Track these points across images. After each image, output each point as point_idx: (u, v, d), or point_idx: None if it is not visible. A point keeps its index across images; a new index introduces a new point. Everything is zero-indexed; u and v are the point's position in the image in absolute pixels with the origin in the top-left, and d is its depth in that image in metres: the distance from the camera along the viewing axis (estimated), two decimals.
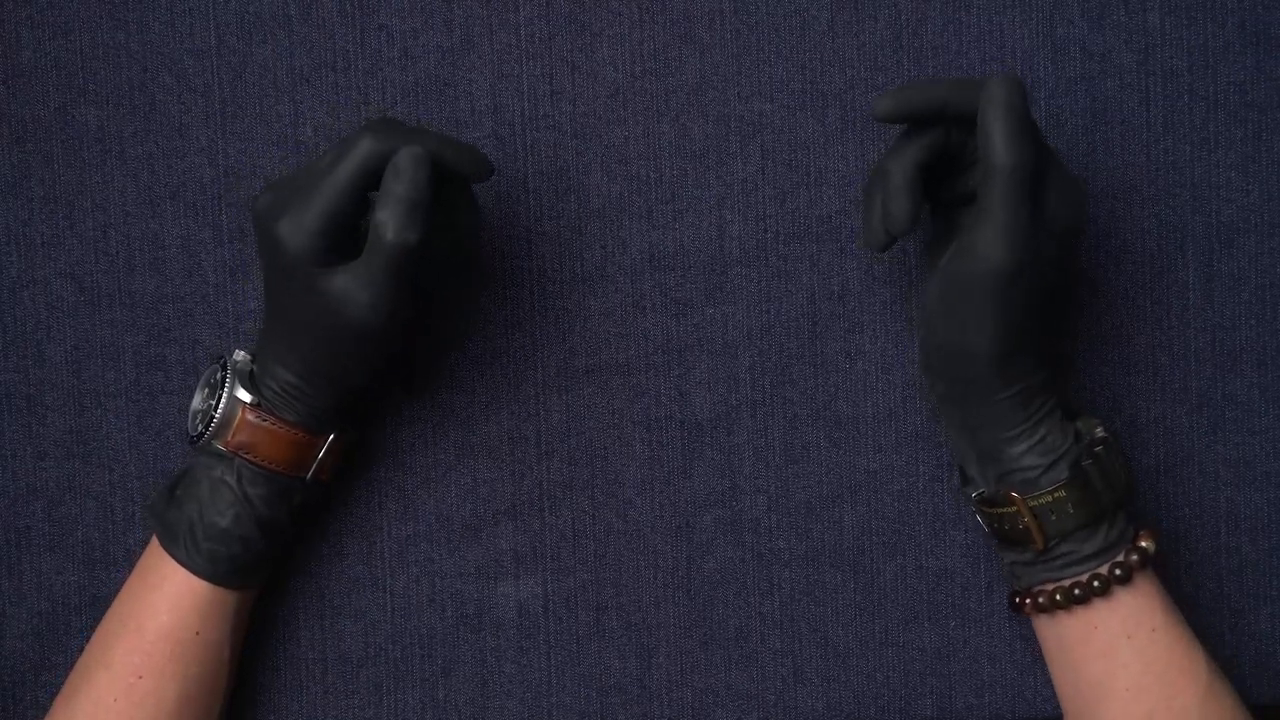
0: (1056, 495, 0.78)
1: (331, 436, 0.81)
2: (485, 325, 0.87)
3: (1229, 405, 0.88)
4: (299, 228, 0.75)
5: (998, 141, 0.74)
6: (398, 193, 0.74)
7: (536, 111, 0.87)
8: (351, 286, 0.75)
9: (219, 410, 0.80)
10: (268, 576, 0.84)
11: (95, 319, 0.87)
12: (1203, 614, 0.88)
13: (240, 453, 0.79)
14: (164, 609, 0.80)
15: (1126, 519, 0.80)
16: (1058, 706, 0.83)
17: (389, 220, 0.74)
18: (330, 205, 0.75)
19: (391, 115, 0.79)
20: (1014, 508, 0.79)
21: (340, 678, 0.88)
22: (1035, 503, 0.78)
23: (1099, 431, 0.79)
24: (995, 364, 0.77)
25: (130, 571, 0.83)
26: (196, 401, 0.82)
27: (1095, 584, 0.78)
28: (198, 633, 0.80)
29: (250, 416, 0.79)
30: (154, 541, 0.81)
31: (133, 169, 0.87)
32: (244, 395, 0.79)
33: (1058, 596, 0.79)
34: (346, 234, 0.76)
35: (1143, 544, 0.79)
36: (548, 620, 0.88)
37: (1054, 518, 0.78)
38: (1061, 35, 0.87)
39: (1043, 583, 0.80)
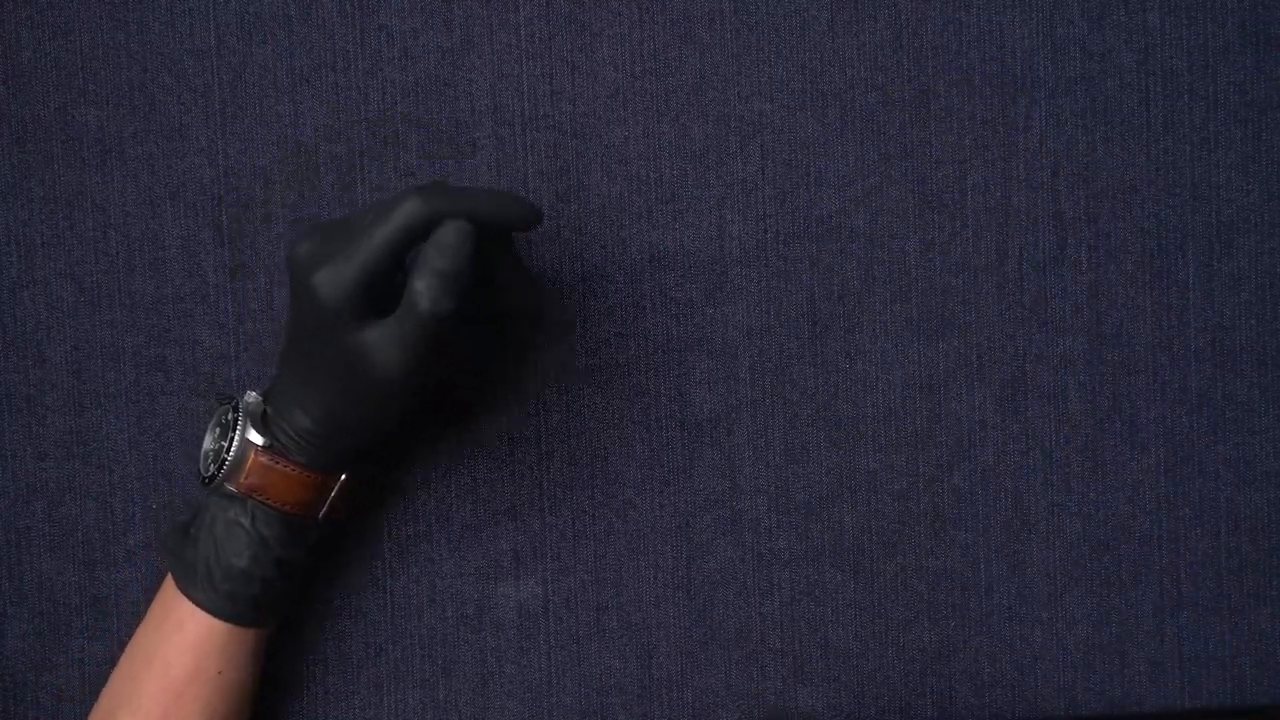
0: None
1: (344, 477, 0.81)
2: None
3: (1229, 405, 0.88)
4: (337, 282, 0.74)
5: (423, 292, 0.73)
6: (437, 266, 0.73)
7: (536, 111, 0.87)
8: (383, 343, 0.75)
9: (231, 453, 0.79)
10: (287, 614, 0.84)
11: (95, 319, 0.87)
12: (1203, 614, 0.88)
13: (253, 495, 0.79)
14: (187, 650, 0.80)
15: None
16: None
17: (425, 290, 0.73)
18: (370, 264, 0.74)
19: (440, 180, 0.78)
20: None
21: (340, 678, 0.88)
22: None
23: None
24: None
25: (130, 575, 0.83)
26: (207, 442, 0.81)
27: None
28: (220, 672, 0.80)
29: (262, 459, 0.79)
30: (170, 579, 0.81)
31: (133, 169, 0.87)
32: (256, 438, 0.79)
33: None
34: (384, 290, 0.75)
35: None
36: (548, 620, 0.88)
37: None
38: (1061, 35, 0.87)
39: None
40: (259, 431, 0.79)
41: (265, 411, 0.80)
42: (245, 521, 0.79)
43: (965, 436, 0.88)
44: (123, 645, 0.84)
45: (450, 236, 0.73)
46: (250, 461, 0.79)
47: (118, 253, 0.87)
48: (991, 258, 0.88)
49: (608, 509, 0.88)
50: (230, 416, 0.80)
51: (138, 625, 0.82)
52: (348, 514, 0.83)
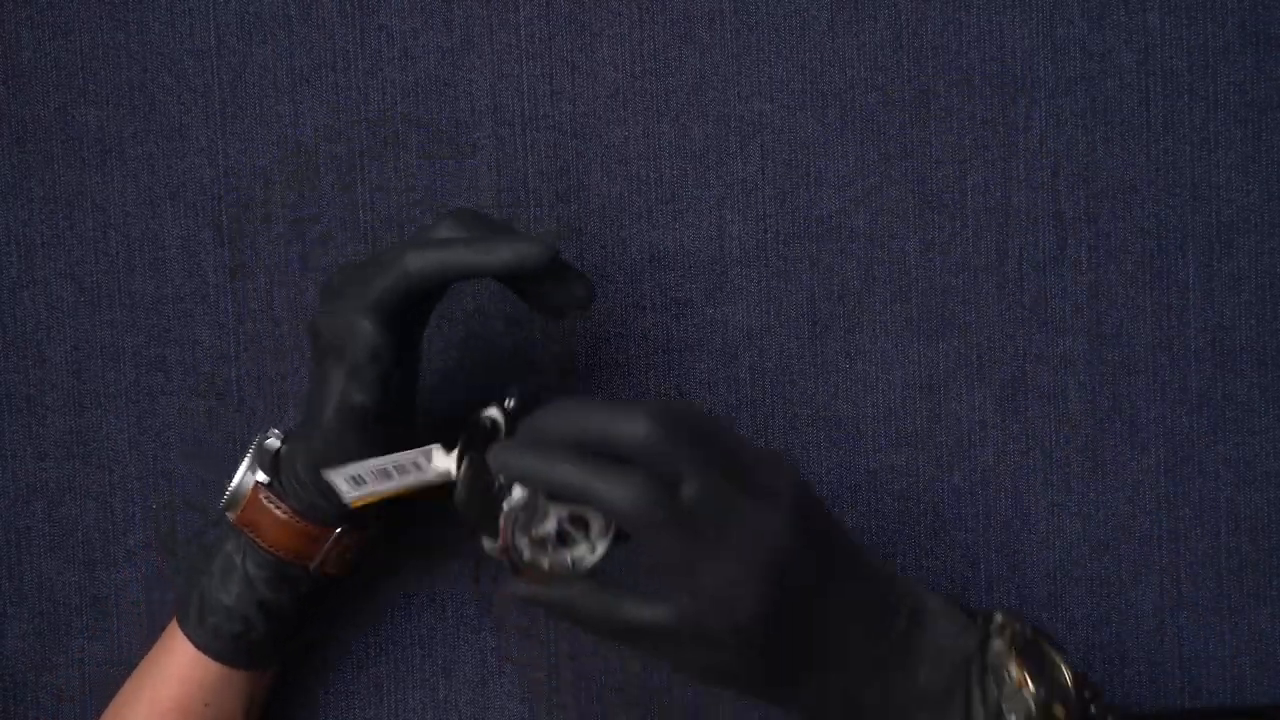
0: None
1: (338, 531, 0.79)
2: (485, 325, 0.87)
3: (1229, 405, 0.88)
4: (359, 334, 0.75)
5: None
6: (350, 356, 0.74)
7: (536, 111, 0.87)
8: (351, 386, 0.75)
9: (233, 485, 0.79)
10: (280, 661, 0.83)
11: (95, 319, 0.87)
12: (1203, 614, 0.88)
13: (248, 531, 0.79)
14: (174, 679, 0.80)
15: None
16: None
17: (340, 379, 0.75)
18: (379, 322, 0.74)
19: (467, 211, 0.77)
20: None
21: (340, 678, 0.88)
22: None
23: (1010, 716, 0.70)
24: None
25: (130, 575, 0.83)
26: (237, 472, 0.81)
27: None
28: (207, 704, 0.80)
29: (260, 496, 0.78)
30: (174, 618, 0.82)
31: (133, 169, 0.87)
32: (261, 476, 0.79)
33: None
34: (411, 323, 0.76)
35: None
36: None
37: None
38: (1061, 35, 0.87)
39: None
40: (265, 470, 0.79)
41: (280, 451, 0.80)
42: (237, 558, 0.79)
43: (965, 436, 0.88)
44: (123, 646, 0.84)
45: (362, 331, 0.74)
46: (249, 497, 0.79)
47: (118, 253, 0.87)
48: (991, 258, 0.88)
49: None
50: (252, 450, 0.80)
51: (138, 626, 0.82)
52: (345, 573, 0.81)
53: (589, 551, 0.70)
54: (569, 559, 0.70)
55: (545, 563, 0.70)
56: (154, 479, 0.87)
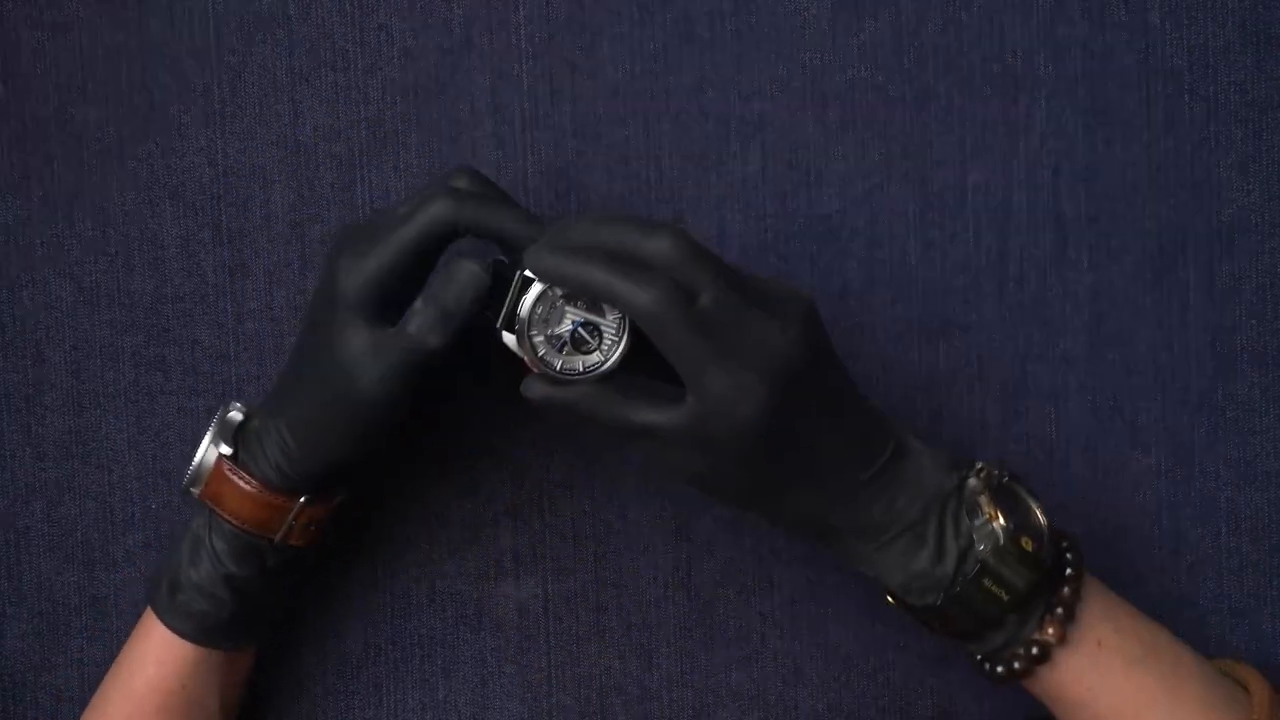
0: (921, 615, 0.77)
1: (301, 500, 0.79)
2: (485, 325, 0.87)
3: (1229, 405, 0.88)
4: (355, 269, 0.75)
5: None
6: (438, 298, 0.74)
7: (536, 111, 0.87)
8: (369, 354, 0.75)
9: (196, 460, 0.79)
10: (254, 640, 0.83)
11: (94, 319, 0.87)
12: (1203, 614, 0.88)
13: (212, 505, 0.79)
14: (150, 662, 0.80)
15: (1030, 609, 0.76)
16: None
17: (418, 315, 0.74)
18: (388, 260, 0.75)
19: (477, 177, 0.78)
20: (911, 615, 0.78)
21: (340, 678, 0.88)
22: (908, 612, 0.78)
23: (984, 540, 0.75)
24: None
25: (129, 575, 0.83)
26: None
27: (1007, 674, 0.77)
28: (184, 686, 0.80)
29: (224, 469, 0.78)
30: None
31: (132, 169, 0.87)
32: (223, 449, 0.79)
33: (989, 670, 0.78)
34: (400, 293, 0.75)
35: (1047, 633, 0.76)
36: (548, 620, 0.88)
37: (928, 629, 0.78)
38: (1061, 35, 0.87)
39: (1000, 655, 0.78)
40: (227, 443, 0.79)
41: (244, 424, 0.79)
42: (204, 534, 0.79)
43: (965, 436, 0.88)
44: (122, 646, 0.84)
45: (461, 275, 0.74)
46: (213, 471, 0.79)
47: (117, 252, 0.87)
48: (991, 258, 0.88)
49: (608, 509, 0.88)
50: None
51: (136, 625, 0.82)
52: (311, 544, 0.81)
53: (600, 359, 0.75)
54: (580, 364, 0.75)
55: (558, 364, 0.74)
56: (154, 479, 0.87)
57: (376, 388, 0.75)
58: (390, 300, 0.75)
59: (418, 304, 0.74)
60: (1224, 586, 0.89)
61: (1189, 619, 0.87)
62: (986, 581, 0.75)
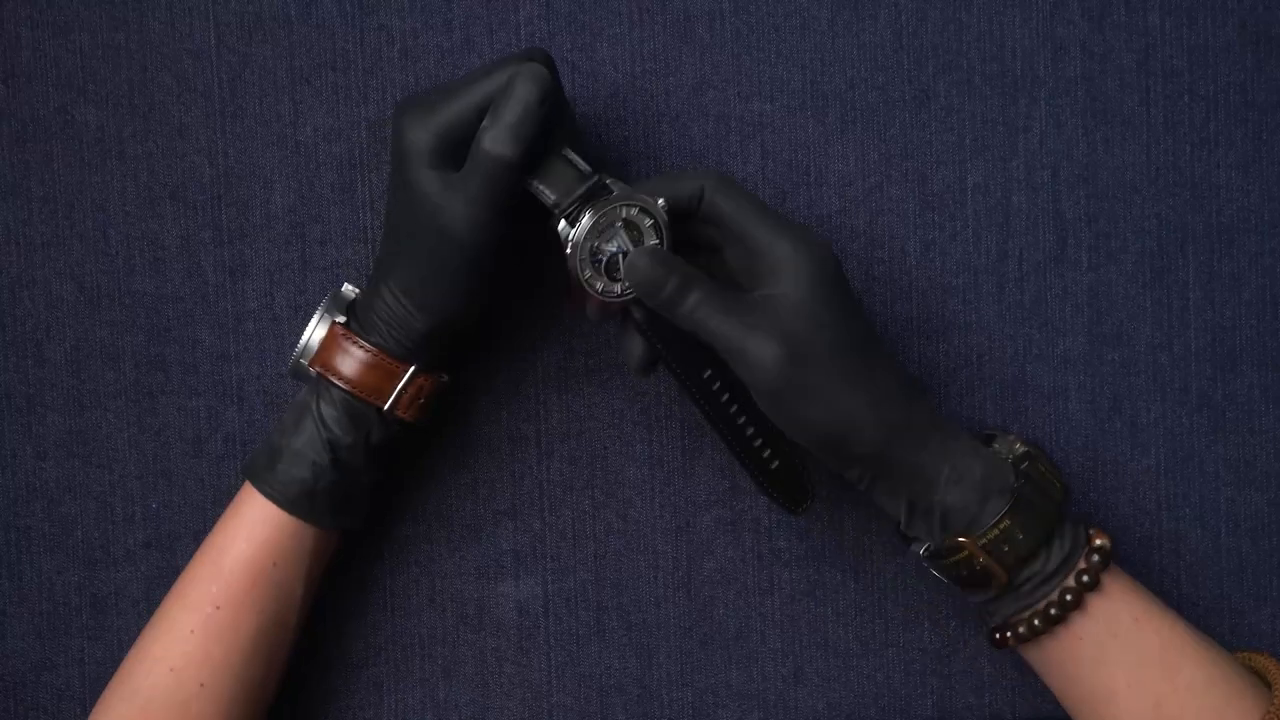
0: (1002, 526, 0.77)
1: (413, 368, 0.80)
2: (486, 325, 0.87)
3: (1229, 405, 0.88)
4: (419, 122, 0.76)
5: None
6: (503, 110, 0.75)
7: None
8: (448, 193, 0.76)
9: (312, 331, 0.80)
10: (343, 523, 0.82)
11: (95, 319, 0.87)
12: (1203, 614, 0.88)
13: (323, 371, 0.80)
14: (241, 537, 0.80)
15: (1073, 524, 0.79)
16: (1058, 706, 0.83)
17: (489, 127, 0.75)
18: (452, 111, 0.76)
19: (544, 58, 0.79)
20: (965, 552, 0.78)
21: (340, 678, 0.88)
22: (985, 539, 0.77)
23: (1019, 447, 0.79)
24: (875, 432, 0.77)
25: (130, 575, 0.83)
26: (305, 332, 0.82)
27: (1068, 598, 0.77)
28: (275, 564, 0.80)
29: (339, 334, 0.80)
30: (245, 484, 0.82)
31: (133, 169, 0.87)
32: (339, 318, 0.80)
33: (1036, 622, 0.78)
34: (465, 141, 0.77)
35: (1098, 542, 0.78)
36: (548, 620, 0.88)
37: (1007, 549, 0.77)
38: (1061, 35, 0.87)
39: (1017, 613, 0.79)
40: (341, 313, 0.81)
41: (355, 300, 0.81)
42: (311, 401, 0.80)
43: None
44: (123, 646, 0.84)
45: (520, 87, 0.75)
46: (326, 336, 0.80)
47: (118, 252, 0.87)
48: (991, 258, 0.88)
49: (608, 509, 0.88)
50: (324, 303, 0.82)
51: (138, 625, 0.82)
52: (414, 418, 0.82)
53: (628, 289, 0.78)
54: (619, 288, 0.78)
55: (599, 285, 0.77)
56: (154, 479, 0.87)
57: (463, 220, 0.76)
58: (457, 149, 0.77)
59: (486, 120, 0.76)
60: (1224, 586, 0.89)
61: (1189, 619, 0.87)
62: (1042, 468, 0.79)
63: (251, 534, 0.80)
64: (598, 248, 0.77)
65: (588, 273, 0.77)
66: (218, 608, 0.79)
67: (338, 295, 0.82)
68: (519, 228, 0.79)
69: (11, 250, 0.87)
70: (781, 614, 0.88)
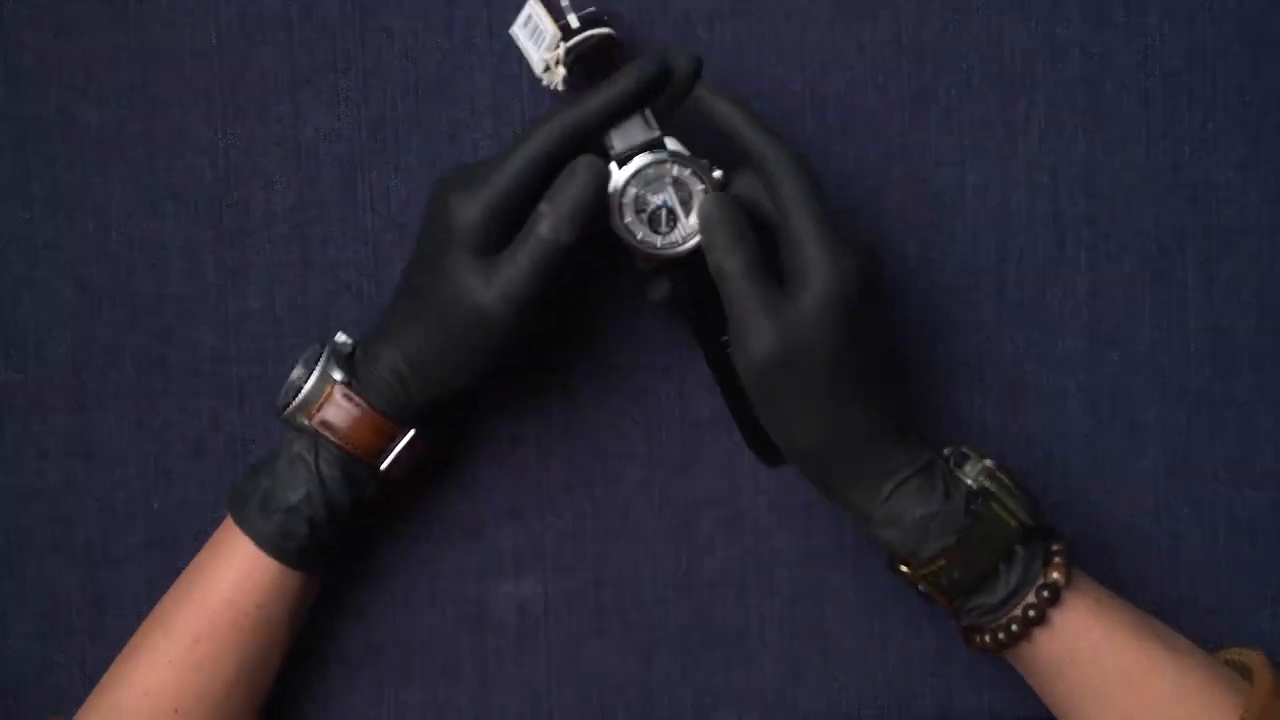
0: (938, 565, 0.78)
1: (413, 432, 0.81)
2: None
3: (1229, 405, 0.88)
4: (469, 197, 0.76)
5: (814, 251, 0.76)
6: (566, 192, 0.76)
7: (537, 111, 0.87)
8: (489, 273, 0.76)
9: (309, 384, 0.80)
10: (328, 571, 0.83)
11: (96, 319, 0.87)
12: (1203, 614, 0.88)
13: (322, 430, 0.79)
14: (229, 578, 0.80)
15: (1028, 555, 0.78)
16: None
17: (549, 214, 0.76)
18: (500, 186, 0.76)
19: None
20: (909, 577, 0.79)
21: (340, 678, 0.88)
22: (924, 571, 0.78)
23: (983, 479, 0.79)
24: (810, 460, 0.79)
25: (130, 575, 0.83)
26: (293, 375, 0.81)
27: (1014, 629, 0.78)
28: (259, 606, 0.80)
29: (338, 394, 0.79)
30: (228, 518, 0.81)
31: (133, 169, 0.87)
32: (337, 374, 0.80)
33: (999, 636, 0.78)
34: (510, 223, 0.77)
35: (1053, 576, 0.78)
36: (548, 620, 0.88)
37: (945, 583, 0.78)
38: (1061, 35, 0.87)
39: (983, 623, 0.79)
40: (342, 369, 0.80)
41: (353, 353, 0.81)
42: (309, 456, 0.80)
43: (965, 436, 0.88)
44: (124, 645, 0.84)
45: (582, 170, 0.76)
46: (326, 394, 0.79)
47: (118, 253, 0.87)
48: (991, 258, 0.88)
49: (608, 509, 0.88)
50: (318, 352, 0.81)
51: (138, 624, 0.82)
52: (404, 480, 0.82)
53: (680, 240, 0.79)
54: (659, 241, 0.79)
55: (639, 233, 0.79)
56: (154, 479, 0.87)
57: (501, 304, 0.76)
58: (502, 232, 0.77)
59: (543, 206, 0.76)
60: (1224, 586, 0.89)
61: (1189, 619, 0.87)
62: (996, 506, 0.78)
63: (240, 577, 0.80)
64: (642, 196, 0.78)
65: (628, 217, 0.78)
66: (198, 641, 0.80)
67: (335, 347, 0.81)
68: (545, 317, 0.79)
69: (13, 250, 0.87)
70: (781, 614, 0.88)
